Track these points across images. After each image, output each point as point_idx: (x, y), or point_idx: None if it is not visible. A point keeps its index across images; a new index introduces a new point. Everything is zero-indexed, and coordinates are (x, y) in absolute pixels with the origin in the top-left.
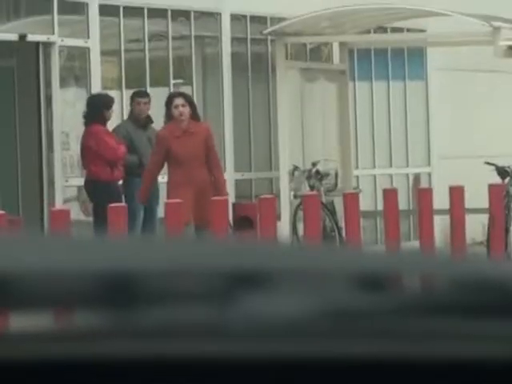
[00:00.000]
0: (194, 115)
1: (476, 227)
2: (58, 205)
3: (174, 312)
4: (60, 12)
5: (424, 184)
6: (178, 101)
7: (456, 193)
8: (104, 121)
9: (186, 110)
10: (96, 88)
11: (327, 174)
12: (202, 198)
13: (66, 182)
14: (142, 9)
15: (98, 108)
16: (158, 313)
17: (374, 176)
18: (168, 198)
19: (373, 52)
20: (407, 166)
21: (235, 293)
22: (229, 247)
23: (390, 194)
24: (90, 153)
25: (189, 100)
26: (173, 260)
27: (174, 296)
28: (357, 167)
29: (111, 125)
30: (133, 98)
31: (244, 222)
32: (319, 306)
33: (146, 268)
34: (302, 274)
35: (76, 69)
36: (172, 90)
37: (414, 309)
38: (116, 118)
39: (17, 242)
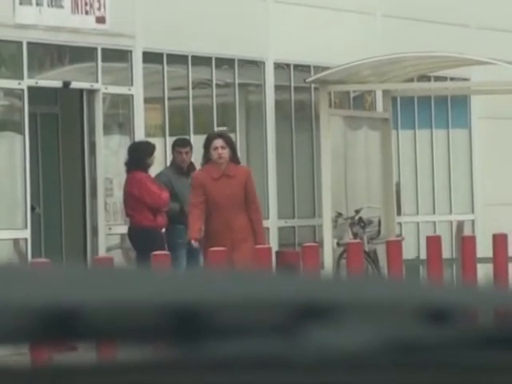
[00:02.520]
0: (234, 158)
1: None
2: (102, 253)
3: (243, 345)
4: (104, 59)
5: (467, 231)
6: (218, 142)
7: (499, 241)
8: (145, 168)
9: (226, 152)
10: (139, 135)
11: (370, 222)
12: (241, 246)
13: (110, 229)
14: (186, 56)
15: (139, 155)
16: (229, 345)
17: (417, 223)
18: (206, 245)
19: (416, 100)
20: (450, 213)
21: (304, 325)
22: (296, 280)
23: (433, 242)
24: (132, 200)
25: (229, 142)
26: (242, 293)
27: (244, 329)
28: (400, 214)
29: (153, 172)
30: (173, 147)
31: (287, 270)
32: (385, 339)
33: (217, 301)
34: (369, 307)
35: (119, 116)
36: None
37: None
38: (159, 165)
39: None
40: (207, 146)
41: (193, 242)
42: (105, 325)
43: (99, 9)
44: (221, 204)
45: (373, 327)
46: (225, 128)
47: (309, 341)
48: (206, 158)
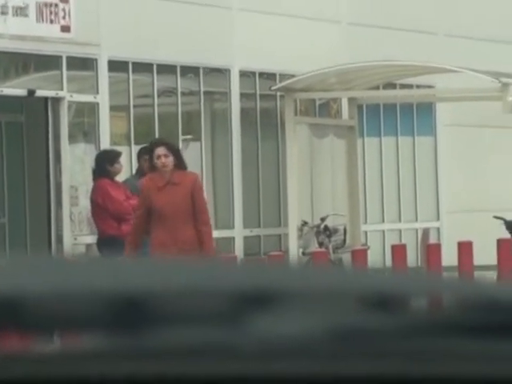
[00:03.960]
0: (180, 164)
1: None
2: None
3: (183, 333)
4: (69, 68)
5: (433, 239)
6: (160, 150)
7: (465, 248)
8: (109, 175)
9: (169, 160)
10: (105, 143)
11: (336, 230)
12: None
13: (75, 239)
14: (151, 64)
15: (103, 163)
16: (170, 334)
17: (383, 231)
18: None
19: (382, 108)
20: (416, 220)
21: (244, 313)
22: (239, 268)
23: (398, 250)
24: (97, 208)
25: (172, 148)
26: (184, 281)
27: (184, 317)
28: (365, 222)
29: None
30: (139, 154)
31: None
32: (327, 327)
33: (157, 289)
34: (311, 295)
35: (85, 124)
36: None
37: (420, 329)
38: (125, 173)
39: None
40: (150, 153)
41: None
42: (44, 314)
43: (64, 17)
44: (165, 214)
45: (315, 315)
46: (190, 136)
47: (251, 329)
48: (151, 166)
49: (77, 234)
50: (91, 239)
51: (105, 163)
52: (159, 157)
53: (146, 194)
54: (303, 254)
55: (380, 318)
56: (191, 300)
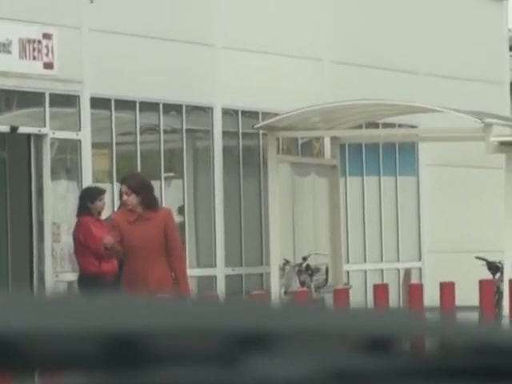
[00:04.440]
0: (146, 203)
1: None
2: None
3: (181, 373)
4: (52, 104)
5: (415, 279)
6: (123, 188)
7: (447, 289)
8: (91, 212)
9: (131, 199)
10: (87, 180)
11: (318, 270)
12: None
13: (57, 277)
14: (134, 102)
15: (84, 200)
16: (166, 373)
17: (365, 271)
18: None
19: (364, 147)
20: (398, 260)
21: (242, 354)
22: (235, 309)
23: (380, 290)
24: (78, 245)
25: (132, 187)
26: (181, 320)
27: (183, 357)
28: (347, 261)
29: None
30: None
31: None
32: (322, 367)
33: (155, 328)
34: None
35: (67, 161)
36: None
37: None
38: (107, 210)
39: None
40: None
41: None
42: (40, 353)
43: (47, 54)
44: (136, 249)
45: (310, 356)
46: (172, 174)
47: (247, 369)
48: (121, 202)
49: (58, 270)
50: (73, 276)
51: (86, 201)
52: (122, 194)
53: (118, 228)
54: (285, 293)
55: (372, 359)
56: (188, 340)
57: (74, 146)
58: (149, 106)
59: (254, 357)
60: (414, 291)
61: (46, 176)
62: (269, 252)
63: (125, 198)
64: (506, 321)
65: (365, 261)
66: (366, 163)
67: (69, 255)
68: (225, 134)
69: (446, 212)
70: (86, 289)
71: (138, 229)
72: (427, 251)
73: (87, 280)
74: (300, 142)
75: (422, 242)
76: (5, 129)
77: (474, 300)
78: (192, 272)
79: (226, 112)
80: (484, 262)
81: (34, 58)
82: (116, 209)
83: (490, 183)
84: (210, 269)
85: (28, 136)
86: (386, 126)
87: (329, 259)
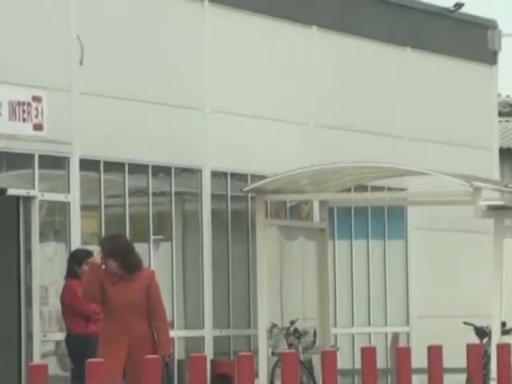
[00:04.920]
0: (127, 266)
1: None
2: (36, 359)
3: None
4: (41, 166)
5: (402, 343)
6: (100, 252)
7: (434, 352)
8: (78, 276)
9: (109, 263)
10: (76, 243)
11: (305, 333)
12: (138, 354)
13: (44, 336)
14: (123, 164)
15: (71, 264)
16: None
17: (353, 335)
18: (100, 348)
19: (353, 210)
20: (386, 324)
21: None
22: None
23: (368, 353)
24: (65, 307)
25: (110, 253)
26: None
27: None
28: (335, 325)
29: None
30: None
31: (222, 379)
32: None
33: None
34: None
35: (56, 223)
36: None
37: None
38: None
39: None
40: None
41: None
42: None
43: (37, 116)
44: (118, 308)
45: None
46: (161, 236)
47: None
48: None
49: (46, 330)
50: (60, 336)
51: (74, 264)
52: (102, 258)
53: (101, 280)
54: (273, 354)
55: None
56: None
57: (62, 208)
58: (138, 168)
59: None
60: (401, 354)
61: (35, 238)
62: (256, 315)
63: (104, 261)
64: None
65: (352, 325)
66: (354, 226)
67: (56, 316)
68: (213, 196)
69: (434, 276)
70: (73, 349)
71: (120, 288)
72: (415, 316)
73: (74, 340)
74: (288, 205)
75: (410, 307)
76: None
77: (462, 363)
78: (180, 333)
79: (215, 174)
80: (472, 327)
81: (24, 120)
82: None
83: (478, 248)
84: (197, 330)
85: (17, 198)
86: (375, 189)
87: (317, 322)
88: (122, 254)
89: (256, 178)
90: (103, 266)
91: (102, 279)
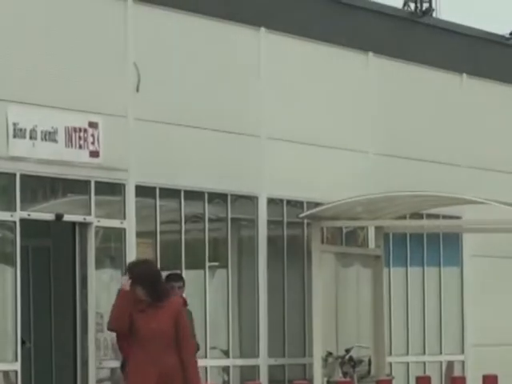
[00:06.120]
0: (154, 294)
1: None
2: None
3: None
4: (97, 192)
5: (457, 372)
6: (127, 278)
7: (489, 381)
8: None
9: (137, 291)
10: None
11: (360, 361)
12: None
13: (100, 363)
14: (179, 190)
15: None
16: None
17: (407, 363)
18: (129, 381)
19: (408, 237)
20: (441, 353)
21: None
22: None
23: (422, 382)
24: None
25: (135, 279)
26: None
27: None
28: (390, 354)
29: None
30: (167, 281)
31: None
32: None
33: None
34: None
35: (112, 249)
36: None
37: None
38: None
39: None
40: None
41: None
42: None
43: (93, 143)
44: (146, 338)
45: None
46: (216, 263)
47: None
48: None
49: (102, 358)
50: (115, 363)
51: None
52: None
53: (129, 309)
54: (328, 382)
55: None
56: None
57: (118, 234)
58: (194, 195)
59: None
60: (456, 383)
61: (91, 264)
62: (311, 343)
63: (132, 288)
64: None
65: (407, 353)
66: (409, 253)
67: (111, 344)
68: (270, 223)
69: (490, 304)
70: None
71: (149, 316)
72: (470, 344)
73: None
74: (344, 231)
75: (465, 335)
76: (50, 217)
77: None
78: (235, 362)
79: (271, 201)
80: None
81: (80, 147)
82: None
83: None
84: (252, 359)
85: (73, 224)
86: (430, 216)
87: (371, 351)
88: (150, 281)
89: (312, 204)
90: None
91: (130, 305)
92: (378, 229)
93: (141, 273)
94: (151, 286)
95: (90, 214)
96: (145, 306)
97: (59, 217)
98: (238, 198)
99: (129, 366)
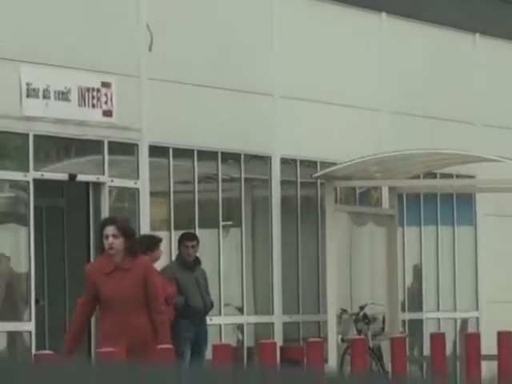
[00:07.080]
0: (131, 249)
1: None
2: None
3: None
4: (110, 152)
5: (472, 329)
6: (109, 230)
7: (504, 338)
8: None
9: (118, 242)
10: (145, 229)
11: (375, 319)
12: (140, 350)
13: None
14: (192, 151)
15: (141, 249)
16: None
17: (422, 320)
18: (100, 348)
19: (422, 197)
20: (455, 310)
21: None
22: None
23: (437, 339)
24: None
25: (123, 229)
26: None
27: None
28: (404, 311)
29: (159, 266)
30: (181, 240)
31: (291, 365)
32: None
33: None
34: None
35: (125, 209)
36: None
37: None
38: (165, 259)
39: None
40: (100, 233)
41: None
42: None
43: (106, 102)
44: (113, 303)
45: None
46: (230, 222)
47: None
48: (99, 248)
49: None
50: None
51: (143, 249)
52: (107, 236)
53: (92, 280)
54: (342, 340)
55: None
56: None
57: (131, 194)
58: (207, 155)
59: None
60: (470, 340)
61: None
62: (326, 301)
63: (110, 240)
64: None
65: (421, 310)
66: (423, 213)
67: None
68: (283, 183)
69: (504, 262)
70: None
71: (114, 280)
72: (485, 301)
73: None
74: (358, 191)
75: (480, 292)
76: (63, 177)
77: None
78: (249, 319)
79: (285, 161)
80: None
81: (93, 106)
82: (174, 259)
83: None
84: (267, 316)
85: (86, 184)
86: (444, 176)
87: (385, 308)
88: (132, 233)
89: (325, 164)
90: (108, 243)
91: (91, 277)
92: (391, 189)
93: (126, 225)
94: (131, 239)
95: (103, 173)
96: (111, 269)
97: (72, 177)
98: (252, 158)
99: (98, 334)
